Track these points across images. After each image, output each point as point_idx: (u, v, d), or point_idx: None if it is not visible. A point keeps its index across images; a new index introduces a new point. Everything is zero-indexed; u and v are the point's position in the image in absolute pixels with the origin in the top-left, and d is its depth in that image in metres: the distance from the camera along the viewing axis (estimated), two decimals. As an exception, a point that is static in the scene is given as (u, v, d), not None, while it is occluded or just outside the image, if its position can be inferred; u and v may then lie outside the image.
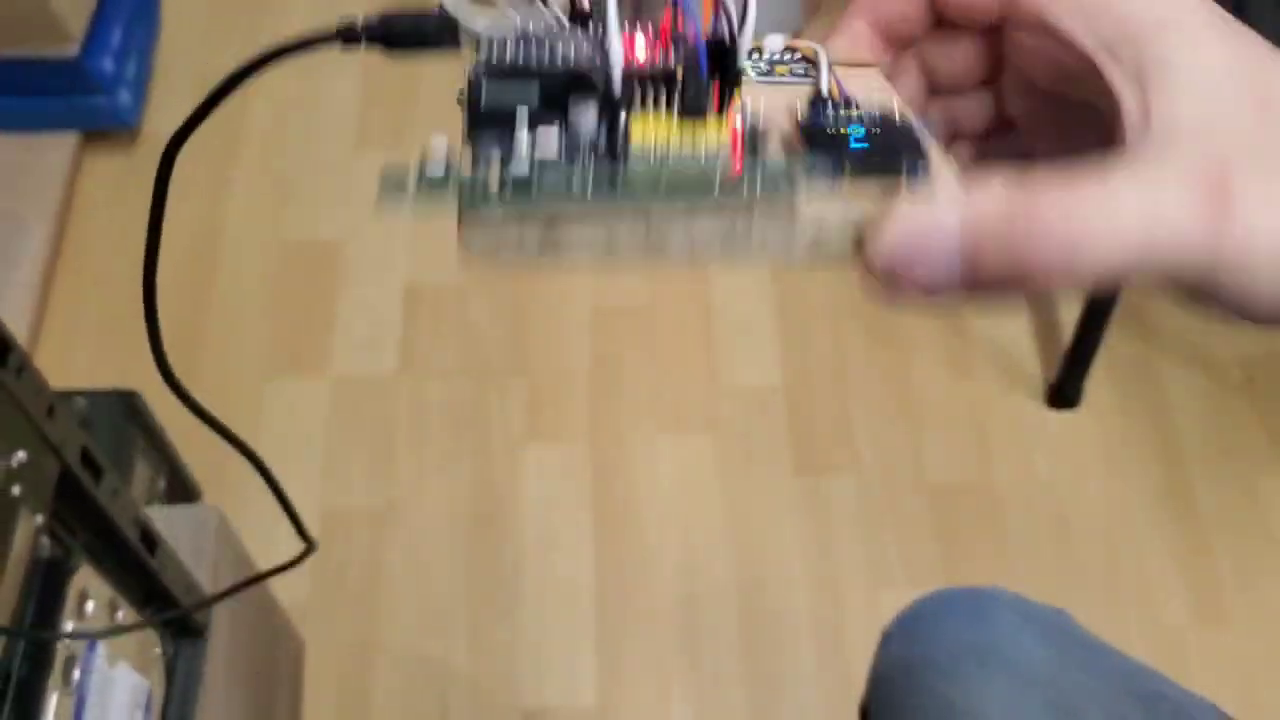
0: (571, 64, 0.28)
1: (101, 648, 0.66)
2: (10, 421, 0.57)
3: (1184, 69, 0.27)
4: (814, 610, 1.21)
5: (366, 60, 1.59)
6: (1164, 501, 1.30)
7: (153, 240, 0.35)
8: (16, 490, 0.57)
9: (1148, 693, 0.60)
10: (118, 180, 1.46)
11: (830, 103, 0.31)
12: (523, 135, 0.28)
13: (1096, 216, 0.25)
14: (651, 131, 0.29)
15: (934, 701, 0.61)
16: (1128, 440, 1.34)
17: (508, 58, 0.28)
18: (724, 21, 0.29)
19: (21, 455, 0.58)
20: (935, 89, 0.35)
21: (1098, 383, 1.35)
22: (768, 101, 0.31)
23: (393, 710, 1.15)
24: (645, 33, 0.29)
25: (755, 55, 0.33)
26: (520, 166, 0.28)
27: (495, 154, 0.28)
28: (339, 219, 1.45)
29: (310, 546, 0.65)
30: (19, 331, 1.22)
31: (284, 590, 1.10)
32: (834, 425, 1.33)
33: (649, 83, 0.29)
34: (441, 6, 0.29)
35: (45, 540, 0.62)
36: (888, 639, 0.67)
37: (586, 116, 0.28)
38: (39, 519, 0.60)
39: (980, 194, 0.27)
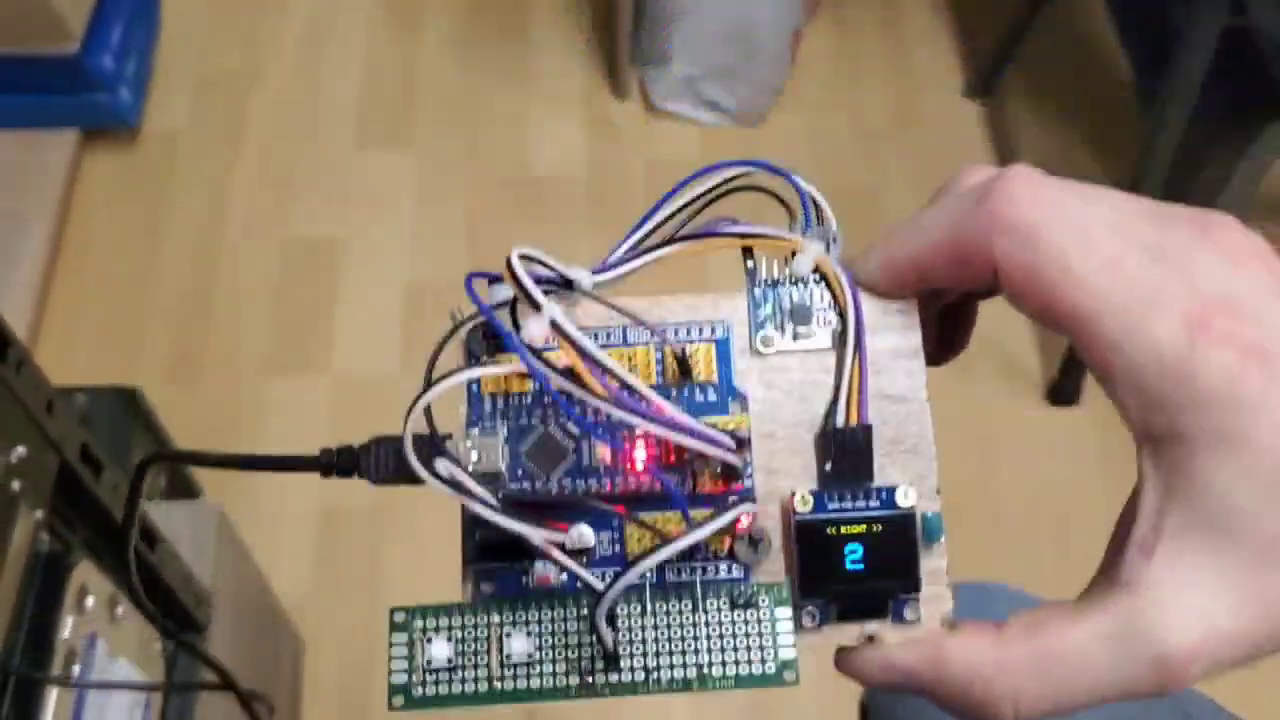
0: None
1: (102, 643, 0.66)
2: (10, 417, 0.57)
3: (1228, 484, 0.27)
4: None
5: (366, 60, 1.59)
6: None
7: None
8: (16, 485, 0.57)
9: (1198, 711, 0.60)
10: (118, 179, 1.46)
11: (836, 496, 0.31)
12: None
13: (1048, 684, 0.29)
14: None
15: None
16: (1127, 437, 1.33)
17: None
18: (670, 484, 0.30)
19: (21, 450, 0.58)
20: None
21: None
22: (782, 404, 0.31)
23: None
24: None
25: (784, 270, 0.32)
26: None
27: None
28: (340, 217, 1.45)
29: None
30: (19, 330, 1.22)
31: (284, 586, 1.10)
32: (834, 423, 1.33)
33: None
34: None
35: (45, 536, 0.62)
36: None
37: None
38: (39, 514, 0.60)
39: (955, 643, 0.30)
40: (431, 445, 0.29)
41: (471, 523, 0.31)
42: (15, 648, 0.58)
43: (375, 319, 1.38)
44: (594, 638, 0.29)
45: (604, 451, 0.30)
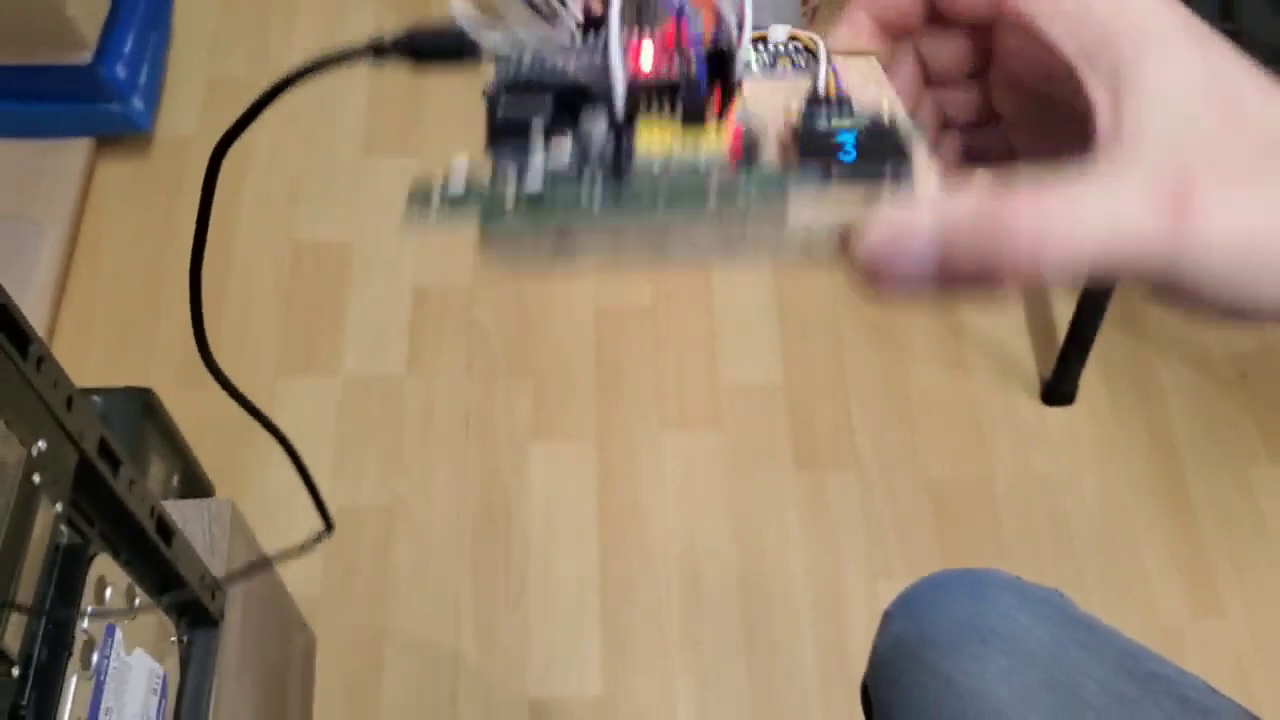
0: (581, 79, 0.31)
1: (119, 633, 0.68)
2: (31, 412, 0.59)
3: (1154, 79, 0.29)
4: (815, 602, 1.24)
5: (374, 68, 1.61)
6: (1158, 494, 1.32)
7: (199, 238, 0.37)
8: (37, 479, 0.60)
9: (1145, 672, 0.62)
10: (131, 184, 1.49)
11: (825, 104, 0.33)
12: (538, 150, 0.30)
13: (1062, 218, 0.28)
14: (656, 139, 0.31)
15: (935, 679, 0.63)
16: (1122, 435, 1.36)
17: (522, 73, 0.31)
18: (724, 31, 0.31)
19: (42, 444, 0.60)
20: (929, 79, 0.37)
21: (1092, 379, 1.37)
22: (768, 99, 0.33)
23: (402, 700, 1.18)
24: (653, 42, 0.31)
25: (760, 46, 0.35)
26: (534, 183, 0.30)
27: (512, 168, 0.30)
28: (349, 221, 1.48)
29: (329, 526, 0.68)
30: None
31: (296, 584, 1.12)
32: (834, 422, 1.35)
33: (654, 92, 0.31)
34: (455, 22, 0.31)
35: (64, 529, 0.64)
36: (888, 618, 0.69)
37: (597, 126, 0.31)
38: (59, 507, 0.62)
39: (955, 197, 0.29)
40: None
41: (491, 105, 0.32)
42: (36, 637, 0.61)
43: (384, 320, 1.41)
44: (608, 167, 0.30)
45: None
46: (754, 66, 0.35)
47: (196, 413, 1.15)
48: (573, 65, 0.31)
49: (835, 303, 1.41)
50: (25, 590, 0.59)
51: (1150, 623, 1.24)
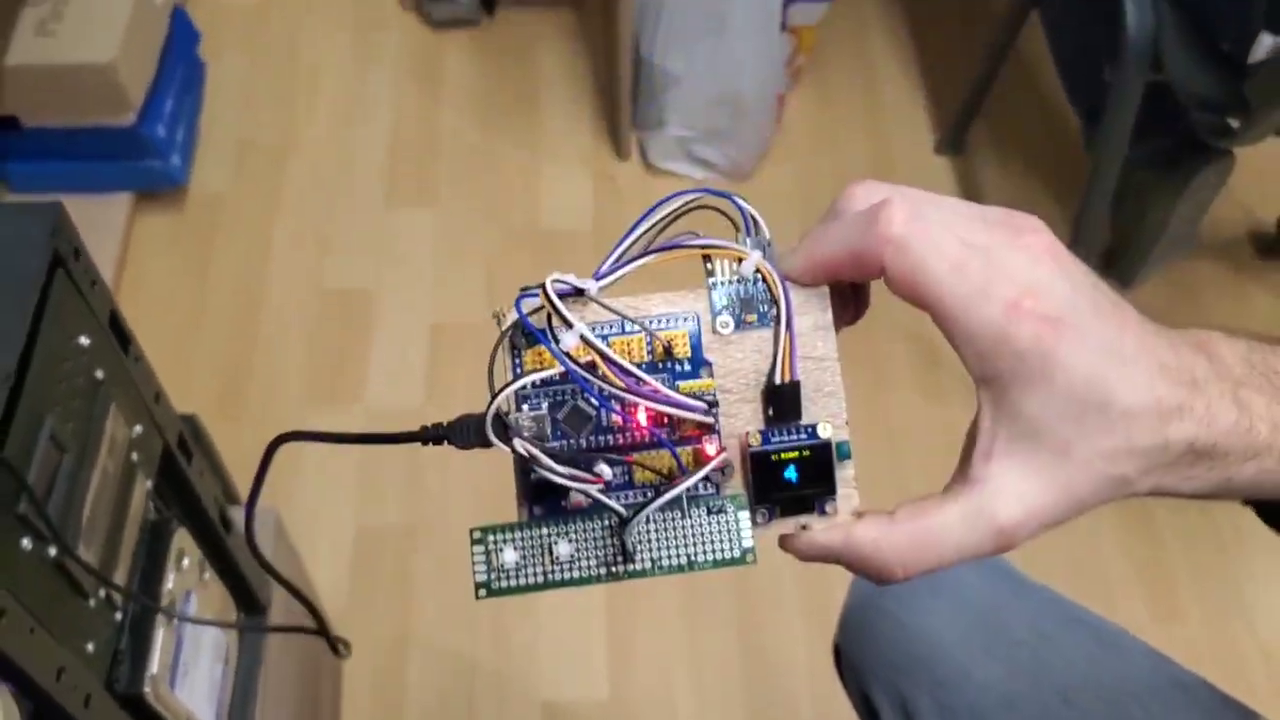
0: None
1: (195, 599, 0.78)
2: (132, 400, 0.70)
3: (1025, 417, 0.39)
4: (807, 609, 1.34)
5: (393, 126, 1.74)
6: (1122, 512, 1.42)
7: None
8: (135, 457, 0.71)
9: (1068, 616, 0.74)
10: (168, 235, 1.61)
11: (779, 403, 0.43)
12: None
13: (928, 553, 0.40)
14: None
15: (891, 624, 0.74)
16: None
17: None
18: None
19: (139, 429, 0.71)
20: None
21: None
22: (737, 365, 0.43)
23: (424, 700, 1.27)
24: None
25: (731, 272, 0.44)
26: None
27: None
28: (371, 268, 1.60)
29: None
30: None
31: (325, 595, 1.22)
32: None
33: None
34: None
35: (151, 504, 0.75)
36: (855, 582, 0.80)
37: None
38: (149, 484, 0.73)
39: (856, 529, 0.41)
40: (505, 427, 0.41)
41: (523, 468, 0.43)
42: (133, 587, 0.71)
43: (403, 359, 1.52)
44: (615, 541, 0.42)
45: (617, 418, 0.42)
46: (726, 327, 0.43)
47: (231, 443, 1.26)
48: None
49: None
50: (127, 548, 0.70)
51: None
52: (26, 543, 0.57)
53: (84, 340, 0.64)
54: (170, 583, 0.75)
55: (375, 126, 1.74)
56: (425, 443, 0.43)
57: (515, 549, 0.42)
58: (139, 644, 0.71)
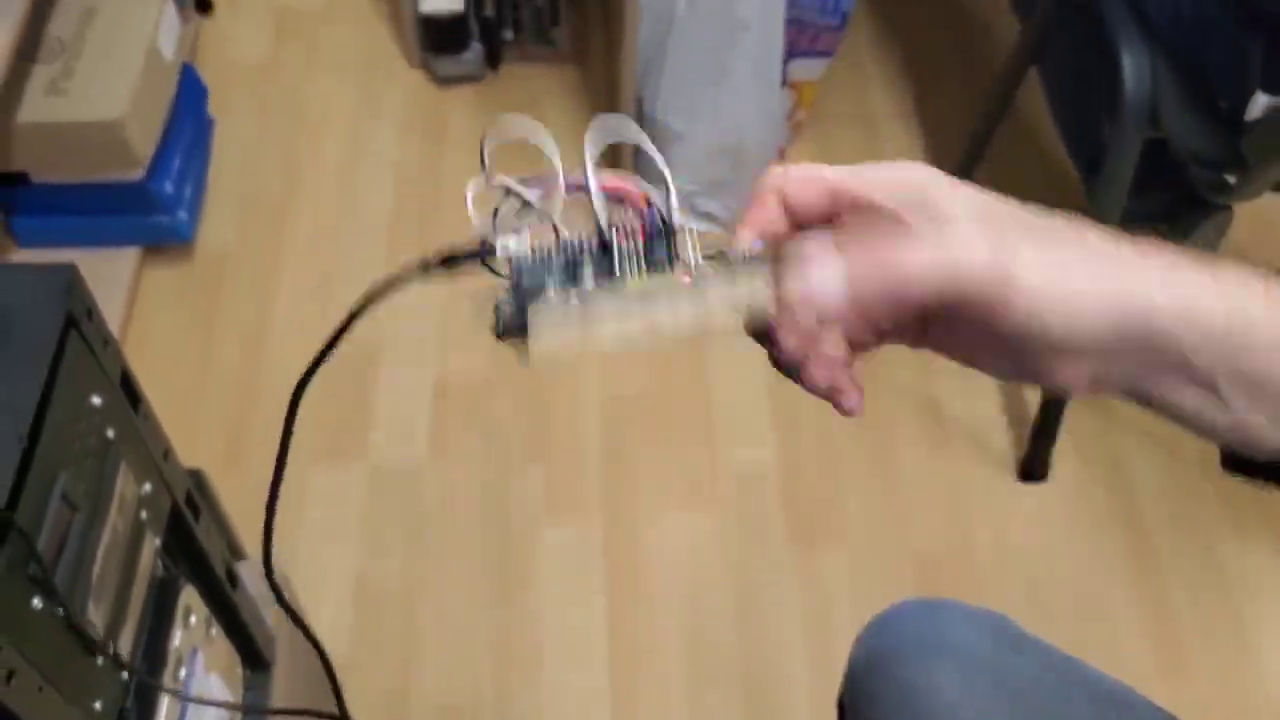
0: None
1: (201, 656, 0.78)
2: (142, 458, 0.71)
3: (951, 200, 0.44)
4: (810, 666, 1.33)
5: (396, 180, 1.76)
6: (1127, 563, 1.42)
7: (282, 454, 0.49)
8: (144, 515, 0.71)
9: (1070, 672, 0.74)
10: (174, 289, 1.62)
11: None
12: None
13: (925, 254, 0.42)
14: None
15: (897, 686, 0.74)
16: (1093, 509, 1.47)
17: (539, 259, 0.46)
18: (657, 213, 0.47)
19: (148, 487, 0.72)
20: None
21: (1064, 457, 1.49)
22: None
23: (427, 757, 1.27)
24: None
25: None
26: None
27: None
28: (375, 319, 1.59)
29: None
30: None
31: (329, 649, 1.22)
32: (824, 499, 1.46)
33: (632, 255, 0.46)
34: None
35: (159, 561, 0.75)
36: (859, 641, 0.80)
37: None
38: (157, 541, 0.74)
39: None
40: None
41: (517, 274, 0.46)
42: (139, 649, 0.71)
43: (407, 412, 1.52)
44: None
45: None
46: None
47: (234, 497, 1.26)
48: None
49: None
50: (135, 605, 0.70)
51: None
52: (37, 602, 0.57)
53: (96, 400, 0.64)
54: (177, 640, 0.75)
55: (380, 181, 1.76)
56: (425, 270, 0.47)
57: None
58: (144, 708, 0.71)
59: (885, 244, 0.43)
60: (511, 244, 0.46)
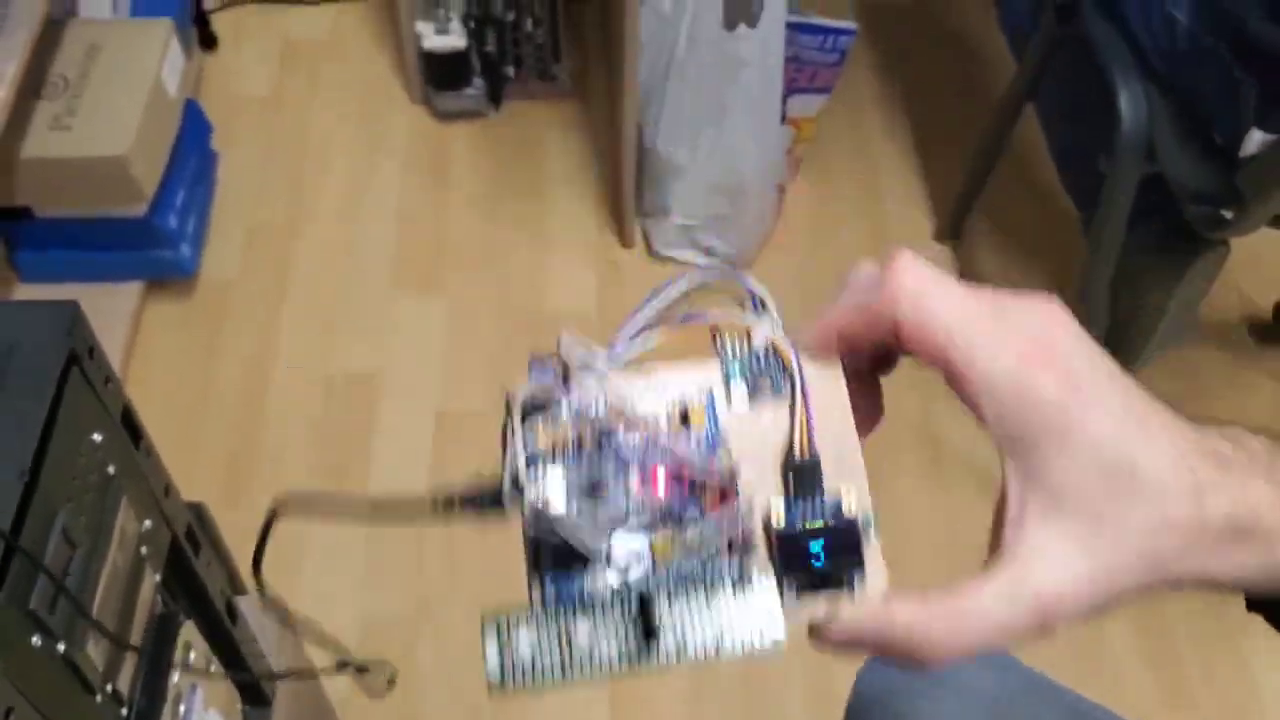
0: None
1: (200, 693, 0.78)
2: (142, 494, 0.71)
3: (1055, 479, 0.36)
4: (813, 697, 1.33)
5: (400, 213, 1.77)
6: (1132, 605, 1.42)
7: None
8: (144, 551, 0.71)
9: (1073, 708, 0.73)
10: (177, 322, 1.63)
11: (799, 478, 0.39)
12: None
13: (961, 633, 0.37)
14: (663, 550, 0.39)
15: (895, 718, 0.74)
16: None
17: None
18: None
19: (148, 523, 0.72)
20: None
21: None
22: (750, 431, 0.40)
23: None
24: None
25: (743, 346, 0.41)
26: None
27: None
28: (377, 354, 1.61)
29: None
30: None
31: (329, 684, 1.21)
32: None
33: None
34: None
35: (158, 597, 0.75)
36: (859, 678, 0.80)
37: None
38: (157, 577, 0.74)
39: (889, 609, 0.38)
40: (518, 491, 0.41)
41: (535, 540, 0.41)
42: (139, 685, 0.71)
43: (408, 446, 1.53)
44: (637, 625, 0.38)
45: (636, 482, 0.39)
46: (739, 394, 0.41)
47: (235, 530, 1.26)
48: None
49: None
50: (134, 643, 0.70)
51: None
52: (36, 639, 0.57)
53: (97, 437, 0.65)
54: (176, 676, 0.75)
55: (383, 215, 1.77)
56: (435, 510, 0.40)
57: (530, 633, 0.39)
58: (145, 745, 0.71)
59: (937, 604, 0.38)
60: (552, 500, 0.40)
